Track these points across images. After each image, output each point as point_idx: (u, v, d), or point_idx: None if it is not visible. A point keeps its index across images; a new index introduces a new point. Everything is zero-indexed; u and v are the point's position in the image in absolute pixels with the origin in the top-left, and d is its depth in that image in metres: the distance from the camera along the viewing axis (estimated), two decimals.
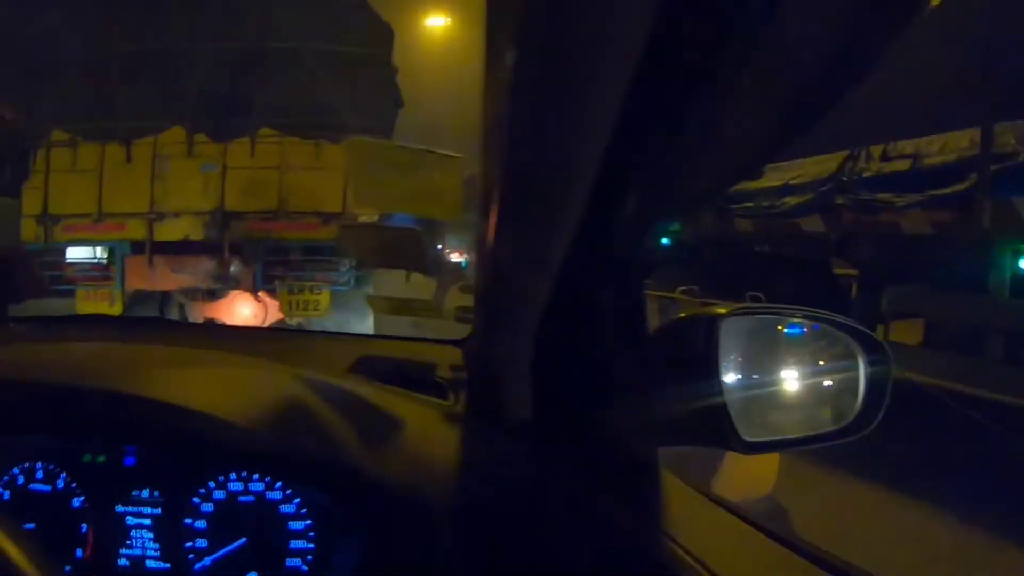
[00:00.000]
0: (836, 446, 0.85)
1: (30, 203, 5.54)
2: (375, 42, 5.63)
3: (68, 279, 5.73)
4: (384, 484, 0.87)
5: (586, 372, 0.88)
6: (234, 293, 5.74)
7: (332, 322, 5.69)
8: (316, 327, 5.67)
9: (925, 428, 3.72)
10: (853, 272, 6.80)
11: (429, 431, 1.00)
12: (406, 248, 1.64)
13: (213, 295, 5.77)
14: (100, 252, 5.82)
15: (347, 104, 5.35)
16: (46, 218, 5.50)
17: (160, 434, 0.93)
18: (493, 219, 0.76)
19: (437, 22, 25.22)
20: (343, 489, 0.90)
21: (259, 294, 5.65)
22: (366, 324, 5.71)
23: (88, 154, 5.47)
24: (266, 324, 5.79)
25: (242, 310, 5.85)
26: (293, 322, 5.92)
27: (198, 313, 6.01)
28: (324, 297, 5.49)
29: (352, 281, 5.61)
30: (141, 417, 0.92)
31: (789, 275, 6.82)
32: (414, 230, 1.73)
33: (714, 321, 0.78)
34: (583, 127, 0.60)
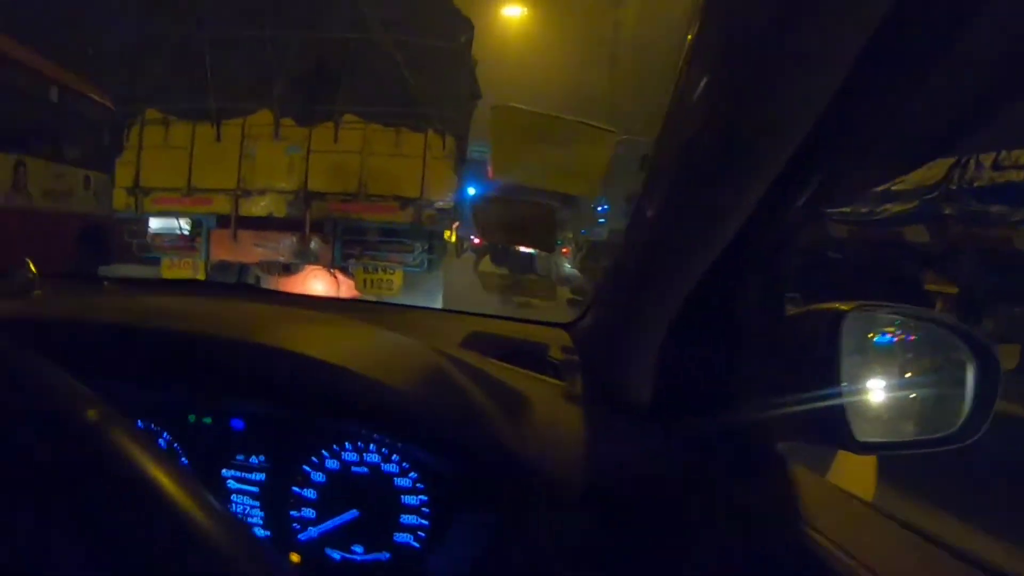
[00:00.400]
0: (935, 454, 0.83)
1: (123, 176, 5.85)
2: (456, 36, 5.73)
3: (155, 248, 6.05)
4: (521, 461, 0.85)
5: (713, 363, 0.86)
6: (309, 268, 5.96)
7: (403, 302, 5.83)
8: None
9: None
10: (951, 290, 6.27)
11: (555, 411, 0.98)
12: (539, 225, 1.64)
13: (288, 269, 6.02)
14: (184, 224, 6.08)
15: (427, 95, 5.49)
16: (137, 190, 5.80)
17: (305, 391, 0.88)
18: (654, 205, 0.77)
19: (513, 12, 25.19)
20: (482, 463, 0.87)
21: (334, 271, 5.84)
22: (436, 305, 5.89)
23: (179, 132, 5.72)
24: None
25: (316, 285, 6.07)
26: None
27: (273, 286, 6.18)
28: (397, 277, 5.67)
29: (425, 263, 5.74)
30: (286, 371, 0.88)
31: (879, 287, 6.47)
32: (551, 206, 1.72)
33: (837, 317, 0.77)
34: (778, 115, 0.58)
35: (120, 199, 5.84)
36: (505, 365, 1.16)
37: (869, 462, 2.36)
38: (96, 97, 8.40)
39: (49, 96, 7.97)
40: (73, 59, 8.25)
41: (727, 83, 0.58)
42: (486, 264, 20.27)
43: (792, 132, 0.59)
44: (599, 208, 13.35)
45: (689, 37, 0.60)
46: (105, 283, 1.86)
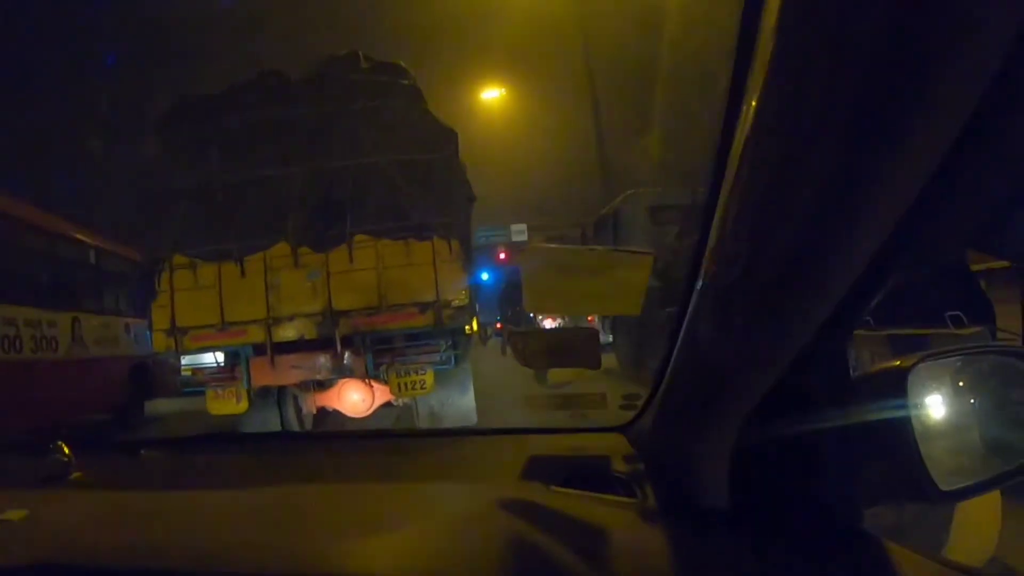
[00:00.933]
0: None
1: (159, 319, 6.24)
2: (443, 147, 6.26)
3: (198, 382, 6.39)
4: None
5: (790, 451, 0.85)
6: (342, 381, 6.33)
7: (436, 398, 6.26)
8: (422, 403, 6.32)
9: None
10: (1000, 264, 5.08)
11: (635, 536, 0.98)
12: (583, 347, 1.58)
13: (322, 384, 6.40)
14: (220, 357, 6.48)
15: (426, 205, 6.00)
16: (175, 331, 6.16)
17: None
18: (717, 309, 0.76)
19: (492, 95, 25.79)
20: None
21: (368, 380, 6.23)
22: (467, 397, 6.34)
23: (207, 273, 6.14)
24: (374, 407, 6.42)
25: (351, 396, 6.46)
26: (400, 403, 6.54)
27: (311, 402, 6.67)
28: (429, 376, 6.00)
29: (452, 359, 6.10)
30: None
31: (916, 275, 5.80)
32: (594, 330, 1.71)
33: (902, 376, 0.77)
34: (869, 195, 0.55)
35: (160, 341, 6.23)
36: (572, 492, 1.18)
37: (990, 514, 2.12)
38: (124, 253, 9.99)
39: (89, 259, 9.78)
40: (100, 222, 10.11)
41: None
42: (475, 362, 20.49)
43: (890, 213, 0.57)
44: None
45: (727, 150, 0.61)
46: (142, 452, 1.89)
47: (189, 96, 6.75)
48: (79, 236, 9.73)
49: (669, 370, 1.01)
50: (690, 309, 0.84)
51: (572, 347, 1.62)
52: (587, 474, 1.26)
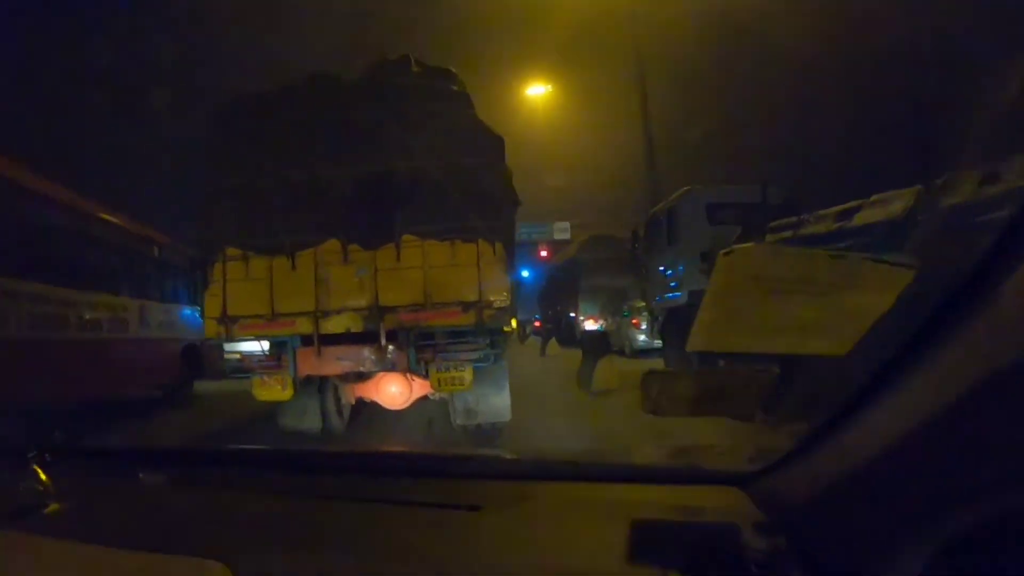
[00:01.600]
0: None
1: (211, 307, 6.52)
2: (489, 152, 6.48)
3: (245, 368, 6.69)
4: None
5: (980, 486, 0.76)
6: (381, 373, 6.63)
7: (473, 394, 6.53)
8: (459, 399, 6.61)
9: None
10: None
11: None
12: (744, 393, 1.37)
13: (362, 376, 6.67)
14: (266, 345, 6.77)
15: (472, 208, 6.20)
16: (225, 319, 6.44)
17: None
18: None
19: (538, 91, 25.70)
20: None
21: (409, 375, 6.55)
22: (503, 395, 6.62)
23: (258, 266, 6.42)
24: (411, 400, 6.78)
25: (390, 388, 6.82)
26: (437, 397, 6.87)
27: (350, 392, 7.06)
28: (468, 373, 6.24)
29: (491, 358, 6.33)
30: None
31: None
32: (768, 371, 1.46)
33: None
34: None
35: (211, 328, 6.50)
36: None
37: None
38: (181, 248, 11.72)
39: (154, 253, 11.56)
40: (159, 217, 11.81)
41: None
42: (554, 348, 20.48)
43: None
44: (669, 271, 11.83)
45: None
46: (141, 476, 1.65)
47: (245, 95, 7.05)
48: (147, 233, 11.61)
49: (858, 423, 0.87)
50: (934, 351, 0.73)
51: (727, 392, 1.42)
52: (712, 549, 1.05)
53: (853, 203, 6.71)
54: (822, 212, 7.08)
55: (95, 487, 1.65)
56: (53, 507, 1.32)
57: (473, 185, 6.29)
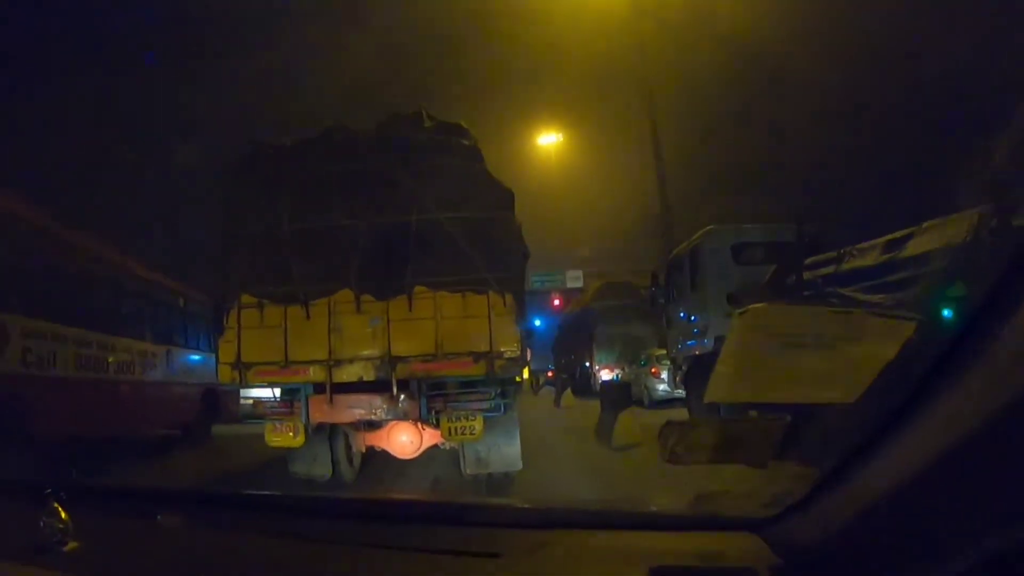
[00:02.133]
0: None
1: (225, 353, 6.60)
2: (500, 205, 6.61)
3: (258, 414, 6.80)
4: None
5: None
6: (392, 422, 6.67)
7: (483, 444, 6.54)
8: (469, 449, 6.62)
9: None
10: None
11: None
12: (758, 441, 1.37)
13: (373, 425, 6.76)
14: (278, 392, 6.88)
15: (483, 260, 6.31)
16: (240, 365, 6.51)
17: None
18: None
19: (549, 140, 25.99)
20: None
21: (419, 424, 6.59)
22: (514, 444, 6.64)
23: (273, 314, 6.52)
24: (421, 449, 6.78)
25: (400, 437, 6.82)
26: (447, 447, 6.89)
27: (361, 440, 7.07)
28: (478, 422, 6.26)
29: (502, 407, 6.37)
30: None
31: None
32: (780, 420, 1.49)
33: None
34: None
35: (225, 373, 6.54)
36: None
37: None
38: (202, 297, 12.52)
39: (179, 303, 12.66)
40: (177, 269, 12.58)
41: None
42: (569, 399, 19.94)
43: None
44: (693, 317, 11.37)
45: None
46: (159, 517, 1.68)
47: (262, 145, 7.22)
48: (173, 284, 12.53)
49: (868, 467, 0.89)
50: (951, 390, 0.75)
51: (741, 441, 1.42)
52: None
53: (900, 232, 6.38)
54: (864, 245, 6.79)
55: (114, 526, 1.68)
56: (72, 545, 1.35)
57: (483, 237, 6.40)
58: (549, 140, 26.96)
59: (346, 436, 7.17)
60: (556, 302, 32.22)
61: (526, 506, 2.00)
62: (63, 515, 1.37)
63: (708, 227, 10.99)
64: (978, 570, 0.77)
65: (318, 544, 1.56)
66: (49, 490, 1.45)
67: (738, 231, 10.72)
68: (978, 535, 0.76)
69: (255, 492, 2.61)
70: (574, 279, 32.05)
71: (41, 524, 1.37)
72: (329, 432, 6.92)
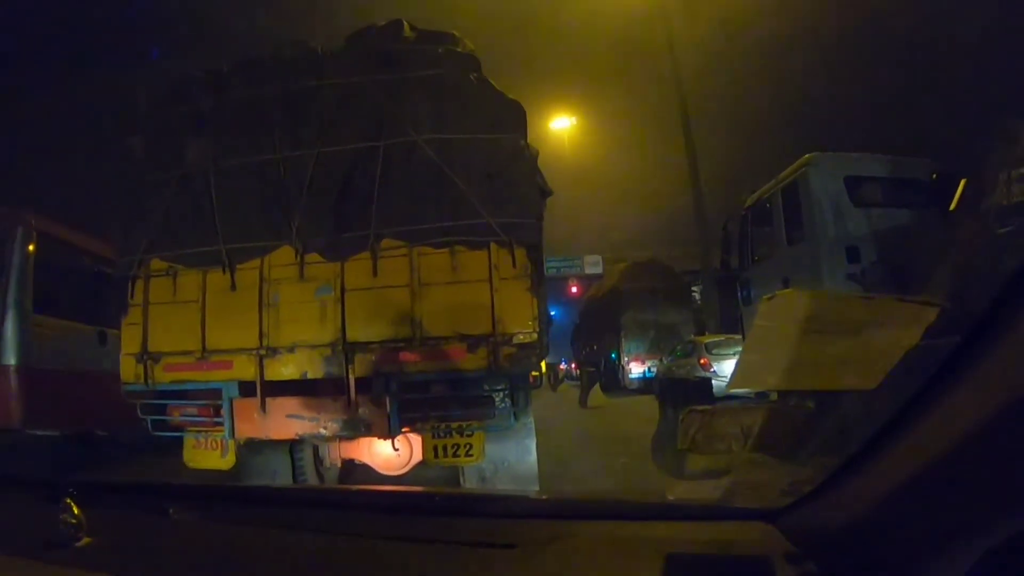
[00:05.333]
0: None
1: (129, 340, 4.92)
2: (506, 123, 4.78)
3: (173, 425, 5.05)
4: None
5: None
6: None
7: (490, 463, 4.87)
8: (471, 470, 5.02)
9: None
10: None
11: None
12: (781, 431, 1.66)
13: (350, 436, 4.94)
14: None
15: (482, 200, 4.51)
16: (145, 356, 4.84)
17: None
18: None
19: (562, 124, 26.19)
20: None
21: (395, 442, 4.77)
22: (529, 461, 5.07)
23: (188, 283, 4.85)
24: (411, 465, 5.00)
25: (382, 450, 5.02)
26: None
27: (335, 454, 5.42)
28: (477, 439, 4.61)
29: (511, 416, 4.59)
30: None
31: None
32: (804, 407, 1.91)
33: None
34: None
35: (128, 369, 4.88)
36: None
37: None
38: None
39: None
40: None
41: None
42: (598, 397, 18.22)
43: None
44: (791, 281, 8.17)
45: None
46: (172, 511, 1.73)
47: (195, 72, 5.48)
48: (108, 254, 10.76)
49: (886, 454, 0.94)
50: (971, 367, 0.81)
51: (763, 429, 1.69)
52: None
53: None
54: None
55: (127, 522, 1.74)
56: (86, 540, 1.39)
57: (482, 167, 4.59)
58: (562, 124, 27.63)
59: (316, 449, 5.48)
60: (574, 289, 31.58)
61: (541, 497, 2.26)
62: (76, 511, 1.39)
63: (810, 154, 8.36)
64: (993, 558, 0.80)
65: (332, 537, 1.61)
66: (62, 486, 1.50)
67: (853, 160, 8.30)
68: (996, 524, 0.80)
69: (268, 485, 3.12)
70: (593, 264, 32.06)
71: (54, 520, 1.39)
72: (291, 445, 5.25)
